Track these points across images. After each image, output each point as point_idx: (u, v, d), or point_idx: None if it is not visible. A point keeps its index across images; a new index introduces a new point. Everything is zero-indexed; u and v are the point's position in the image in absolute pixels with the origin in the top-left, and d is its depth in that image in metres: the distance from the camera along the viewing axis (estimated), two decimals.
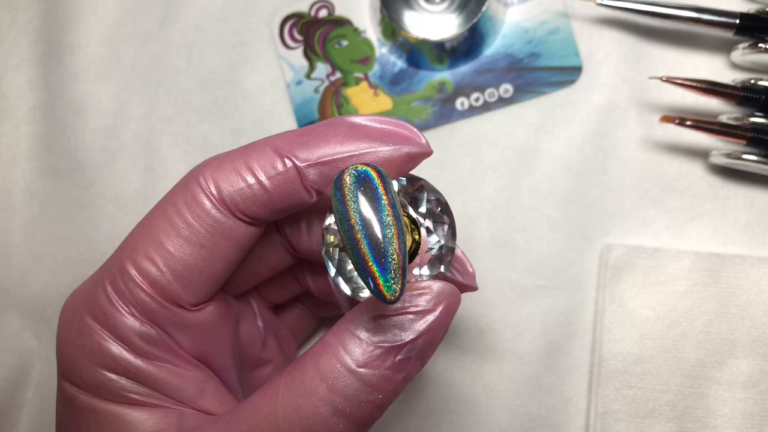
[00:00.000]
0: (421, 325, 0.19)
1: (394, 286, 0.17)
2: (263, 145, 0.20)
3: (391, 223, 0.17)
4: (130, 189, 0.34)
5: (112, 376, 0.20)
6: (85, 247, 0.34)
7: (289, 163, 0.20)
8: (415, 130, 0.20)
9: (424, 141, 0.20)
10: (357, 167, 0.17)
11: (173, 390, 0.21)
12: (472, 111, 0.33)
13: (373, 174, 0.17)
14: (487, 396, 0.32)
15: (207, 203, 0.20)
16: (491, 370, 0.32)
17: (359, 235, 0.16)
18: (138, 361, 0.20)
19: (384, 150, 0.20)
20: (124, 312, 0.20)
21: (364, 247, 0.16)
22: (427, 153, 0.20)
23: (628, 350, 0.31)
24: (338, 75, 0.34)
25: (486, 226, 0.33)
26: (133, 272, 0.20)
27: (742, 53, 0.31)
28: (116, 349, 0.20)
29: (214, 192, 0.20)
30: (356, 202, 0.17)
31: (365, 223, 0.17)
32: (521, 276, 0.32)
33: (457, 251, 0.24)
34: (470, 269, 0.24)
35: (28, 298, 0.34)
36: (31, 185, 0.35)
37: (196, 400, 0.21)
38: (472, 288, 0.24)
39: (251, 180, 0.20)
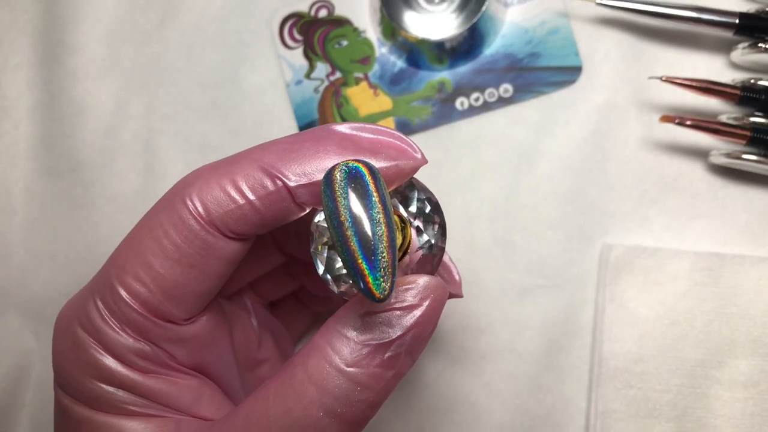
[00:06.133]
0: (409, 320, 0.18)
1: (384, 284, 0.16)
2: (250, 161, 0.19)
3: (381, 220, 0.16)
4: (130, 189, 0.34)
5: (108, 388, 0.20)
6: (84, 247, 0.34)
7: (279, 183, 0.19)
8: (408, 140, 0.20)
9: (419, 155, 0.20)
10: (348, 163, 0.17)
11: (170, 399, 0.20)
12: (472, 111, 0.33)
13: (364, 170, 0.17)
14: (487, 395, 0.32)
15: (195, 226, 0.19)
16: (491, 369, 0.32)
17: (349, 232, 0.16)
18: (133, 375, 0.20)
19: (378, 166, 0.19)
20: (117, 329, 0.20)
21: (354, 245, 0.16)
22: (421, 165, 0.20)
23: (628, 350, 0.30)
24: (338, 75, 0.34)
25: (486, 226, 0.33)
26: (123, 293, 0.20)
27: (741, 53, 0.31)
28: (111, 363, 0.20)
29: (203, 213, 0.19)
30: (346, 198, 0.16)
31: (355, 220, 0.16)
32: (521, 276, 0.32)
33: (445, 257, 0.24)
34: (456, 277, 0.24)
35: (28, 298, 0.34)
36: (31, 185, 0.35)
37: (194, 408, 0.21)
38: (457, 296, 0.24)
39: (241, 201, 0.19)
